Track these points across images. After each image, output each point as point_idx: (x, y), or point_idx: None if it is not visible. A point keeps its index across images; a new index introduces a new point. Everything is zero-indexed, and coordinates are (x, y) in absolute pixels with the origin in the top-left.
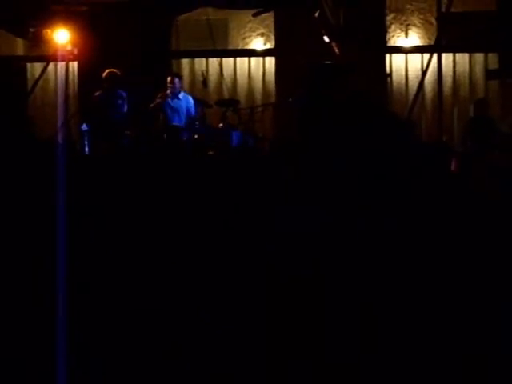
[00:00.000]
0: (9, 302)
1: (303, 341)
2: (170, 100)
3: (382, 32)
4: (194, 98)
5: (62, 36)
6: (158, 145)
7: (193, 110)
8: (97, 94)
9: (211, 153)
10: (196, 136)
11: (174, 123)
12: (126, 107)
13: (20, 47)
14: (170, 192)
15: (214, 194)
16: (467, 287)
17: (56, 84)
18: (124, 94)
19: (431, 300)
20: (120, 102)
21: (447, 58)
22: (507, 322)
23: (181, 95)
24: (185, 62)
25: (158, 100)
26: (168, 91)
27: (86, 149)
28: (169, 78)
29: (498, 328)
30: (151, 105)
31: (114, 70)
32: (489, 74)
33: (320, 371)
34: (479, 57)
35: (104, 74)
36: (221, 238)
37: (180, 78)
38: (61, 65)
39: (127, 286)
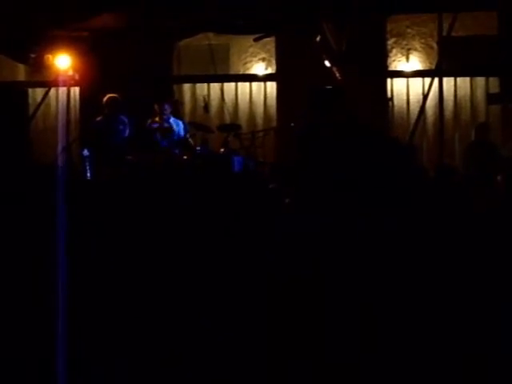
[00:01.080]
0: (14, 317)
1: (304, 341)
2: (159, 125)
3: (383, 56)
4: (184, 122)
5: (63, 61)
6: (157, 169)
7: (182, 133)
8: (98, 119)
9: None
10: (185, 157)
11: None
12: (127, 132)
13: (21, 72)
14: (169, 214)
15: (214, 210)
16: (467, 287)
17: (57, 109)
18: (125, 119)
19: (431, 300)
20: (121, 127)
21: (448, 82)
22: (506, 321)
23: (171, 120)
24: (186, 86)
25: (148, 124)
26: (157, 117)
27: (88, 174)
28: (157, 104)
29: (497, 327)
30: (144, 129)
31: (115, 95)
32: (490, 98)
33: (320, 371)
34: (480, 81)
35: (104, 99)
36: (222, 242)
37: (172, 103)
38: (62, 90)
39: (128, 296)
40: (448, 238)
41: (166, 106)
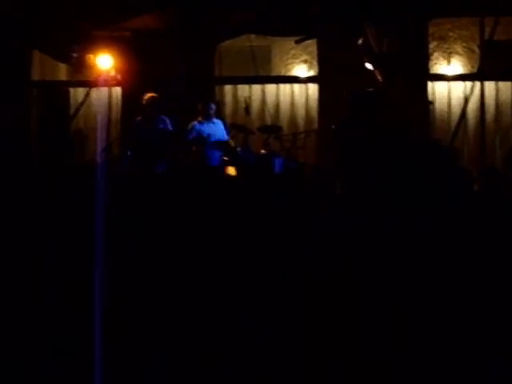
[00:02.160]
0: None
1: (339, 339)
2: (203, 125)
3: (425, 59)
4: (225, 123)
5: (104, 61)
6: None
7: (225, 134)
8: (138, 118)
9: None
10: (225, 158)
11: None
12: (169, 131)
13: (63, 72)
14: (208, 213)
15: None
16: (502, 290)
17: (98, 109)
18: (165, 118)
19: (461, 299)
20: (161, 126)
21: (490, 86)
22: None
23: (214, 120)
24: (228, 88)
25: (193, 125)
26: (200, 117)
27: (128, 172)
28: (201, 105)
29: None
30: (186, 130)
31: (154, 95)
32: None
33: (353, 370)
34: None
35: (144, 99)
36: (261, 242)
37: (216, 103)
38: (103, 90)
39: (167, 293)
40: (487, 240)
41: (212, 106)
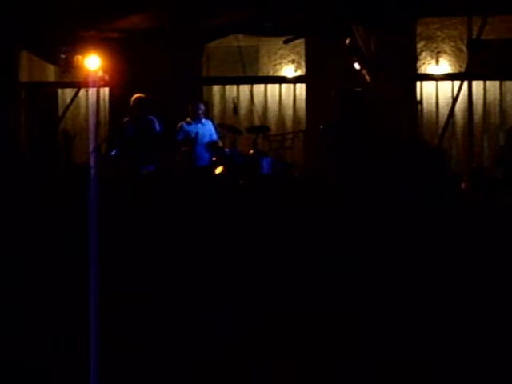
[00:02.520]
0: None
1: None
2: (192, 126)
3: (413, 59)
4: (214, 123)
5: (93, 62)
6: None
7: (214, 135)
8: (125, 119)
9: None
10: (214, 158)
11: (196, 149)
12: (156, 131)
13: (51, 73)
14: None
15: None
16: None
17: (87, 110)
18: (153, 119)
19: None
20: (149, 126)
21: (478, 85)
22: None
23: (203, 121)
24: (216, 88)
25: (181, 125)
26: (189, 118)
27: (116, 174)
28: (190, 105)
29: None
30: (175, 131)
31: (142, 95)
32: None
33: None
34: (510, 84)
35: (132, 100)
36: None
37: (204, 104)
38: (92, 91)
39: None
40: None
41: (201, 106)
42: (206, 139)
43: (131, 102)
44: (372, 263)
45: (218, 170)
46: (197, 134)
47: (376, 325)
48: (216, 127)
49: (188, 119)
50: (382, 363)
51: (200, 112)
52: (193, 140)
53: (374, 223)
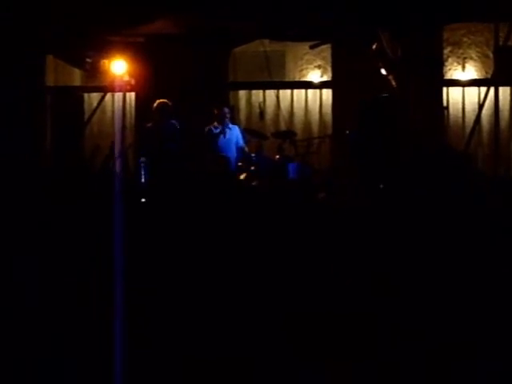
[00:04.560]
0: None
1: None
2: (219, 130)
3: (439, 65)
4: (240, 128)
5: (119, 67)
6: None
7: (241, 140)
8: (148, 125)
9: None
10: (252, 168)
11: (223, 153)
12: (179, 136)
13: (77, 77)
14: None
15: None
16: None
17: (113, 114)
18: (176, 124)
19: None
20: (172, 131)
21: (504, 91)
22: None
23: (230, 125)
24: (242, 93)
25: (208, 129)
26: (216, 122)
27: (143, 179)
28: (216, 110)
29: None
30: (203, 134)
31: (165, 100)
32: None
33: None
34: None
35: (154, 105)
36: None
37: (230, 108)
38: (118, 95)
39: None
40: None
41: (227, 110)
42: (233, 144)
43: (154, 108)
44: (392, 266)
45: (242, 176)
46: (224, 139)
47: (394, 327)
48: (243, 133)
49: (215, 123)
50: (400, 365)
51: (226, 116)
52: (219, 145)
53: (393, 227)
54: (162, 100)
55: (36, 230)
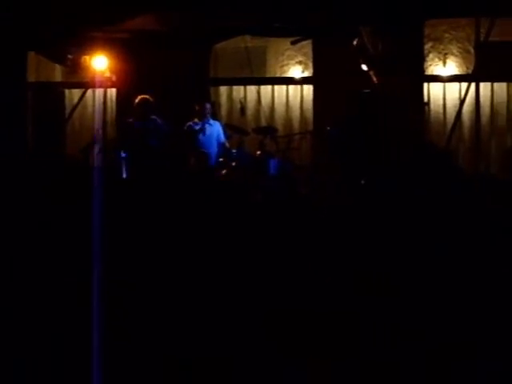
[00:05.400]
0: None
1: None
2: (200, 126)
3: (420, 61)
4: (221, 124)
5: (100, 63)
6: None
7: (222, 136)
8: (129, 120)
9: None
10: (233, 163)
11: (204, 149)
12: (161, 132)
13: (58, 73)
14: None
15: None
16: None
17: (94, 110)
18: (157, 119)
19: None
20: (153, 127)
21: (485, 87)
22: None
23: (211, 121)
24: (223, 89)
25: (188, 125)
26: (196, 118)
27: (124, 174)
28: (198, 105)
29: None
30: (184, 130)
31: (146, 96)
32: None
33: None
34: None
35: (136, 101)
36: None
37: (211, 104)
38: (99, 91)
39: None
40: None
41: (208, 106)
42: (214, 140)
43: (135, 103)
44: (373, 264)
45: (223, 172)
46: (204, 134)
47: (375, 325)
48: (224, 128)
49: (195, 119)
50: (381, 365)
51: (207, 112)
52: (200, 140)
53: (375, 224)
54: (143, 96)
55: (18, 226)
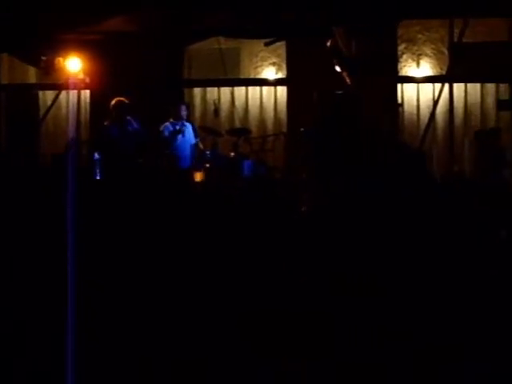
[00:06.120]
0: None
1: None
2: (179, 128)
3: (394, 62)
4: (193, 125)
5: (74, 64)
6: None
7: (193, 137)
8: (106, 123)
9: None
10: (207, 165)
11: (180, 151)
12: (137, 134)
13: (32, 75)
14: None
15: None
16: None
17: (67, 112)
18: (133, 121)
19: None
20: (130, 129)
21: (459, 88)
22: None
23: (185, 123)
24: (197, 90)
25: (165, 126)
26: (172, 119)
27: (98, 176)
28: (172, 107)
29: None
30: (160, 131)
31: (122, 99)
32: (500, 104)
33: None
34: (491, 87)
35: (112, 103)
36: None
37: (186, 105)
38: (73, 93)
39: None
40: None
41: (183, 107)
42: (187, 141)
43: (111, 106)
44: (347, 265)
45: (198, 176)
46: (179, 136)
47: (349, 325)
48: (196, 130)
49: (171, 120)
50: (356, 365)
51: (182, 113)
52: (174, 142)
53: (350, 225)
54: (119, 98)
55: None
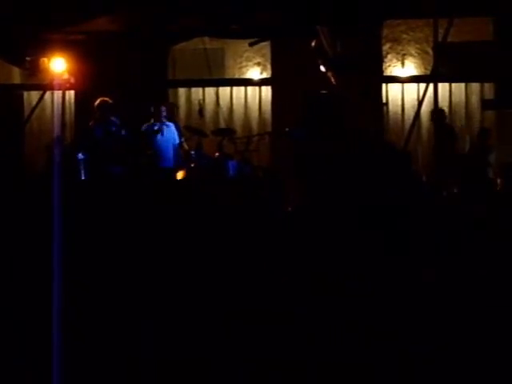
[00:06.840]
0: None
1: None
2: (157, 128)
3: (379, 61)
4: (177, 126)
5: (58, 65)
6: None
7: (177, 137)
8: (90, 123)
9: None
10: (192, 165)
11: (161, 150)
12: (121, 134)
13: (17, 76)
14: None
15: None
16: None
17: (53, 112)
18: (117, 122)
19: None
20: (114, 129)
21: (443, 87)
22: None
23: (167, 123)
24: (181, 91)
25: (146, 126)
26: (153, 120)
27: (82, 177)
28: (153, 107)
29: None
30: (141, 131)
31: (105, 99)
32: (485, 104)
33: None
34: (475, 87)
35: (96, 103)
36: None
37: (167, 106)
38: (57, 93)
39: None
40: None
41: (163, 108)
42: (170, 142)
43: (95, 106)
44: (330, 265)
45: (180, 175)
46: (161, 136)
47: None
48: (180, 130)
49: (152, 121)
50: (336, 365)
51: (162, 114)
52: (156, 142)
53: (332, 226)
54: (103, 98)
55: None
